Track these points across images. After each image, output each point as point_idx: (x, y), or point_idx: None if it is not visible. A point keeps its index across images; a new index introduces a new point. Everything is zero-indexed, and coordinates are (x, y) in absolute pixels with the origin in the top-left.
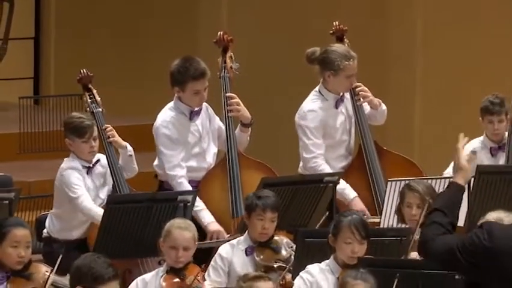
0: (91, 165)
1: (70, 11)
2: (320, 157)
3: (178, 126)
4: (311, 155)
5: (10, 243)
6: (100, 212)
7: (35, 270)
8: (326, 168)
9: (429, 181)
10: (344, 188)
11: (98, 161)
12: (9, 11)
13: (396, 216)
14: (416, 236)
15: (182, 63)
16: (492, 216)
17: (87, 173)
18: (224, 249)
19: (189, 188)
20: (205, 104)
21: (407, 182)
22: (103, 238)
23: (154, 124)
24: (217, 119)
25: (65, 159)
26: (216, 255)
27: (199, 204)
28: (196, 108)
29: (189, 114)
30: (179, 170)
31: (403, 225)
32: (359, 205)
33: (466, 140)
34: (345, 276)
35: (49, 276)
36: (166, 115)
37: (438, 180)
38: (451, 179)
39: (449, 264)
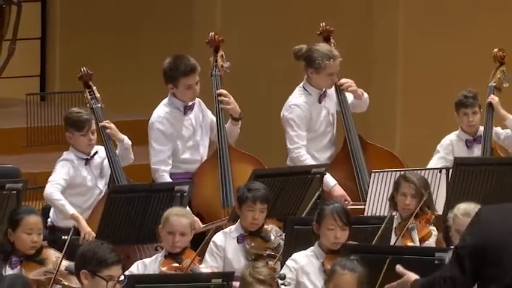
0: (89, 157)
1: (73, 13)
2: (303, 148)
3: (173, 121)
4: (294, 145)
5: (24, 229)
6: (59, 200)
7: (46, 256)
8: (308, 158)
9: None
10: (325, 177)
11: (96, 153)
12: (17, 14)
13: (380, 205)
14: (410, 225)
15: (173, 61)
16: (461, 207)
17: (85, 164)
18: (218, 238)
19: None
20: (197, 99)
21: (401, 173)
22: (105, 225)
23: (150, 119)
24: (209, 112)
25: (64, 152)
26: (211, 243)
27: None
28: (189, 103)
29: (183, 109)
30: (164, 166)
31: (394, 213)
32: (339, 191)
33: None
34: (334, 264)
35: (61, 261)
36: (161, 111)
37: (418, 171)
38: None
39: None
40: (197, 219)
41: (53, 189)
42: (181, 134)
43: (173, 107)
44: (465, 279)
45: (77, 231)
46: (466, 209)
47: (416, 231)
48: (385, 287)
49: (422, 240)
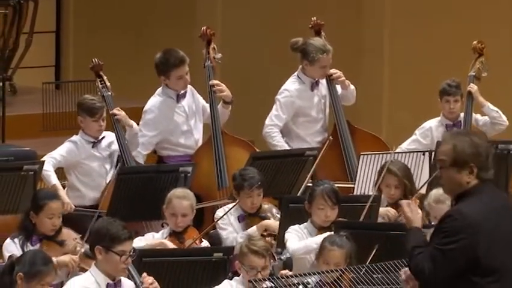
0: (96, 141)
1: (85, 9)
2: (276, 128)
3: (166, 110)
4: (271, 123)
5: (46, 214)
6: (46, 171)
7: (66, 237)
8: (277, 137)
9: (396, 155)
10: None
11: (103, 137)
12: (34, 9)
13: (368, 184)
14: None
15: (163, 55)
16: (433, 194)
17: (92, 147)
18: (220, 213)
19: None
20: (189, 87)
21: (385, 163)
22: (115, 203)
23: (144, 107)
24: (200, 98)
25: (74, 135)
26: (216, 218)
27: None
28: (181, 92)
29: (176, 97)
30: (142, 148)
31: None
32: None
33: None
34: (324, 241)
35: (82, 245)
36: (155, 100)
37: (402, 154)
38: (410, 226)
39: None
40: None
41: (46, 160)
42: (175, 121)
43: (167, 96)
44: (442, 271)
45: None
46: (436, 195)
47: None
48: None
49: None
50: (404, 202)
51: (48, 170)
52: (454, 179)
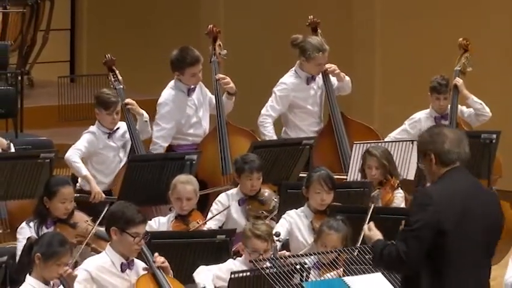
0: (111, 132)
1: (98, 8)
2: (270, 118)
3: (178, 102)
4: (266, 113)
5: (59, 200)
6: (76, 162)
7: (78, 219)
8: (269, 127)
9: (386, 144)
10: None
11: (118, 128)
12: (50, 8)
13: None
14: (376, 193)
15: (180, 52)
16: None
17: (108, 137)
18: (222, 198)
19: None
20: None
21: (367, 147)
22: (126, 189)
23: (158, 100)
24: (207, 91)
25: (91, 126)
26: (216, 202)
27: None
28: (192, 86)
29: (187, 91)
30: (162, 141)
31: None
32: None
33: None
34: (322, 225)
35: (93, 228)
36: (167, 93)
37: (392, 143)
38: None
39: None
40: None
41: (72, 152)
42: (186, 113)
43: (178, 89)
44: (419, 253)
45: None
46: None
47: (379, 198)
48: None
49: (386, 204)
50: (365, 227)
51: (78, 162)
52: (426, 170)
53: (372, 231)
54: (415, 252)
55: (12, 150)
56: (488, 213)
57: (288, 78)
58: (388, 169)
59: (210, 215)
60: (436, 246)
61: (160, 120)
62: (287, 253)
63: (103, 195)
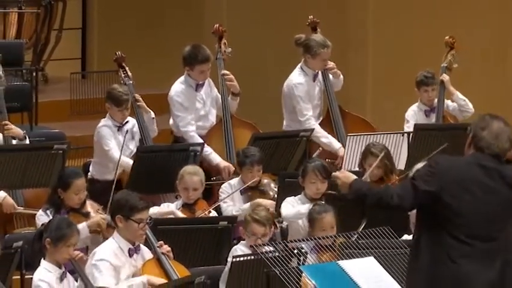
0: (121, 125)
1: (108, 8)
2: (311, 120)
3: (187, 96)
4: (304, 118)
5: (73, 191)
6: (124, 159)
7: (90, 208)
8: (317, 125)
9: (379, 136)
10: (330, 142)
11: (127, 122)
12: (63, 8)
13: (355, 162)
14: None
15: (192, 49)
16: (418, 166)
17: (118, 130)
18: (226, 188)
19: (199, 140)
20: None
21: (369, 146)
22: (135, 178)
23: (169, 94)
24: (215, 89)
25: (102, 119)
26: (223, 192)
27: (208, 150)
28: (200, 82)
29: (195, 86)
30: (190, 126)
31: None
32: (341, 153)
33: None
34: (311, 214)
35: (105, 216)
36: (177, 87)
37: (384, 135)
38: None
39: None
40: (230, 164)
41: (115, 154)
42: (194, 106)
43: (187, 84)
44: (411, 204)
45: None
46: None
47: None
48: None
49: None
50: (334, 174)
51: (120, 157)
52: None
53: (344, 173)
54: (407, 196)
55: (27, 141)
56: (488, 201)
57: (298, 77)
58: (389, 168)
59: (222, 203)
60: (434, 213)
61: (178, 111)
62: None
63: None
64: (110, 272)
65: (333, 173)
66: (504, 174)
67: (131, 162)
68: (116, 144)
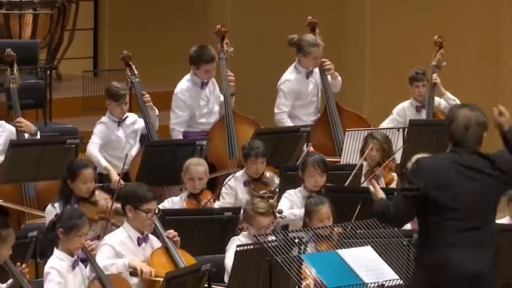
0: (121, 120)
1: (118, 10)
2: (284, 114)
3: (192, 93)
4: (279, 110)
5: (81, 181)
6: (96, 157)
7: (98, 198)
8: (287, 122)
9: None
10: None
11: (127, 117)
12: (75, 9)
13: (352, 156)
14: (378, 173)
15: (199, 50)
16: (416, 158)
17: (118, 125)
18: (231, 182)
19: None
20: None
21: (368, 131)
22: (143, 171)
23: (175, 90)
24: (217, 88)
25: (102, 116)
26: (226, 186)
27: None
28: (205, 80)
29: (200, 85)
30: (179, 127)
31: (364, 162)
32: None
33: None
34: (308, 206)
35: (112, 204)
36: (183, 84)
37: (382, 130)
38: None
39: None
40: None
41: (91, 148)
42: (198, 104)
43: (193, 82)
44: (407, 214)
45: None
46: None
47: (382, 178)
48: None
49: (387, 184)
50: (373, 182)
51: (97, 156)
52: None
53: (377, 191)
54: (399, 209)
55: (38, 137)
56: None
57: (290, 75)
58: (387, 152)
59: (221, 197)
60: (426, 210)
61: (177, 109)
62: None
63: (122, 182)
64: (110, 255)
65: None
66: (481, 166)
67: (102, 162)
68: (117, 140)
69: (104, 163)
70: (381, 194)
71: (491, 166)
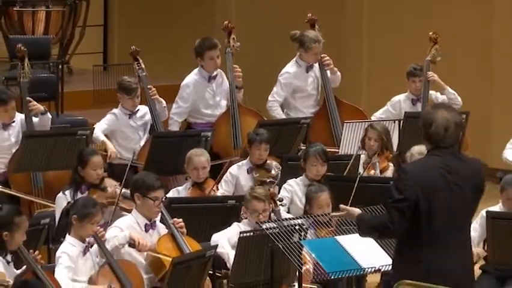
0: (131, 113)
1: (127, 7)
2: (277, 103)
3: (199, 86)
4: (272, 99)
5: (91, 167)
6: (95, 133)
7: (108, 184)
8: (277, 110)
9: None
10: None
11: (138, 110)
12: (86, 7)
13: (350, 147)
14: (374, 160)
15: (201, 40)
16: (415, 149)
17: (129, 118)
18: (233, 169)
19: (176, 129)
20: (219, 70)
21: (369, 123)
22: (150, 161)
23: (182, 82)
24: (227, 82)
25: (114, 108)
26: (228, 173)
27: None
28: (213, 74)
29: (208, 78)
30: (177, 117)
31: (363, 152)
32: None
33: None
34: (308, 194)
35: (121, 189)
36: (191, 78)
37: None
38: (355, 217)
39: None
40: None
41: (96, 126)
42: (205, 96)
43: (201, 76)
44: (402, 222)
45: (131, 167)
46: (420, 149)
47: (378, 165)
48: (331, 214)
49: (382, 170)
50: (341, 207)
51: (96, 133)
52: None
53: (348, 209)
54: (398, 220)
55: (48, 115)
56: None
57: (290, 68)
58: (385, 143)
59: (223, 182)
60: (415, 215)
61: (179, 99)
62: (288, 215)
63: (117, 154)
64: (116, 234)
65: (341, 206)
66: (462, 170)
67: (100, 137)
68: (127, 131)
69: (102, 137)
70: (356, 211)
71: (470, 169)
